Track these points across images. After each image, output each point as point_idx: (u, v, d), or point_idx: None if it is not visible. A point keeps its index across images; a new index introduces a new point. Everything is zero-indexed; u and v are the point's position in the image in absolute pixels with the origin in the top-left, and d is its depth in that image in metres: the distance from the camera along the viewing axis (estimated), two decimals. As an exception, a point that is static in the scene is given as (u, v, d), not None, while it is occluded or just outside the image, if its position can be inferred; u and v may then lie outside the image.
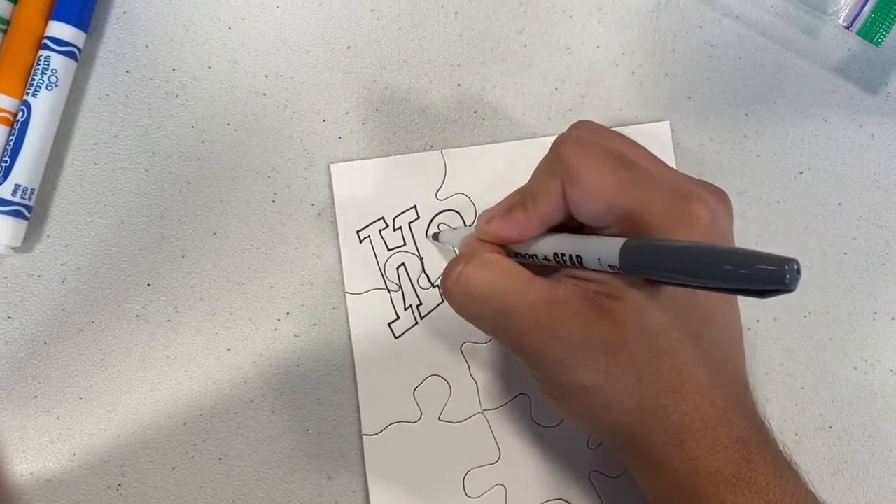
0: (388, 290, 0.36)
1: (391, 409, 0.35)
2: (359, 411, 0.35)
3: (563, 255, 0.28)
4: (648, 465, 0.29)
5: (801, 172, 0.39)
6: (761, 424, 0.29)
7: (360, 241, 0.36)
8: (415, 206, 0.36)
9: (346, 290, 0.35)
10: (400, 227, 0.36)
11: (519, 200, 0.30)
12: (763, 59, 0.39)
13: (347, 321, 0.35)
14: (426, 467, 0.35)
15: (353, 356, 0.35)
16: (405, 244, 0.36)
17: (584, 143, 0.28)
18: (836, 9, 0.38)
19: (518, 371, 0.36)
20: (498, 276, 0.29)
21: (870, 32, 0.37)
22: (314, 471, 0.35)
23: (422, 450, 0.35)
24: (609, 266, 0.26)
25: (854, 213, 0.39)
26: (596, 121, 0.37)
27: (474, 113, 0.37)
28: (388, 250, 0.36)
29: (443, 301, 0.36)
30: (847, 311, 0.38)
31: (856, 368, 0.38)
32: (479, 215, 0.32)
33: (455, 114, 0.37)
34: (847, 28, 0.37)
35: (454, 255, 0.35)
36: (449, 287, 0.30)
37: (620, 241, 0.25)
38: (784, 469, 0.28)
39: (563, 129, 0.37)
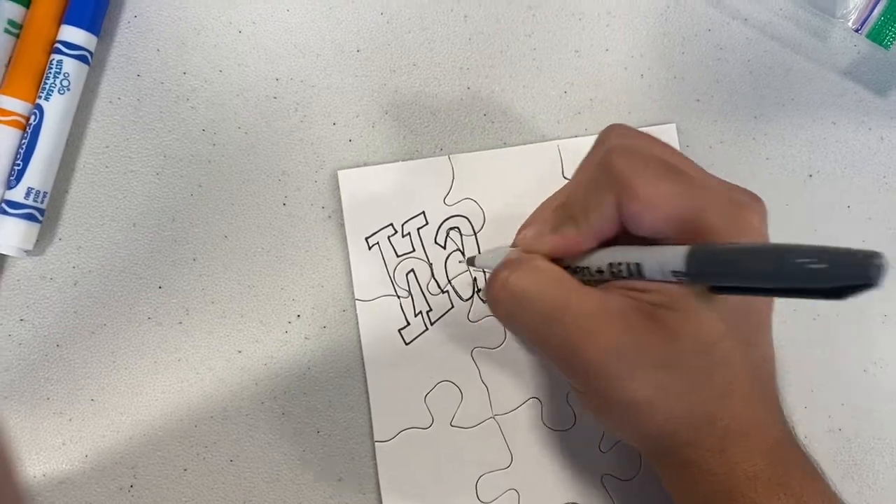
0: (398, 297, 0.36)
1: (403, 415, 0.35)
2: (370, 416, 0.35)
3: (619, 264, 0.27)
4: (686, 472, 0.28)
5: (811, 175, 0.39)
6: (791, 427, 0.29)
7: (369, 248, 0.36)
8: (423, 212, 0.36)
9: (356, 297, 0.35)
10: (409, 234, 0.36)
11: (568, 214, 0.29)
12: (772, 62, 0.39)
13: (357, 324, 0.35)
14: (439, 473, 0.35)
15: (363, 359, 0.35)
16: (414, 250, 0.36)
17: (635, 154, 0.27)
18: (845, 12, 0.38)
19: (529, 375, 0.36)
20: (548, 282, 0.28)
21: (879, 35, 0.37)
22: (325, 472, 0.35)
23: (434, 455, 0.35)
24: (673, 273, 0.25)
25: (863, 215, 0.39)
26: (605, 124, 0.38)
27: (484, 116, 0.37)
28: (398, 256, 0.36)
29: (452, 307, 0.36)
30: (856, 314, 0.38)
31: (865, 371, 0.38)
32: (517, 231, 0.32)
33: (465, 117, 0.37)
34: (856, 31, 0.37)
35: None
36: (495, 292, 0.29)
37: (683, 248, 0.25)
38: (813, 472, 0.28)
39: (573, 131, 0.38)
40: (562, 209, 0.30)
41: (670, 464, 0.29)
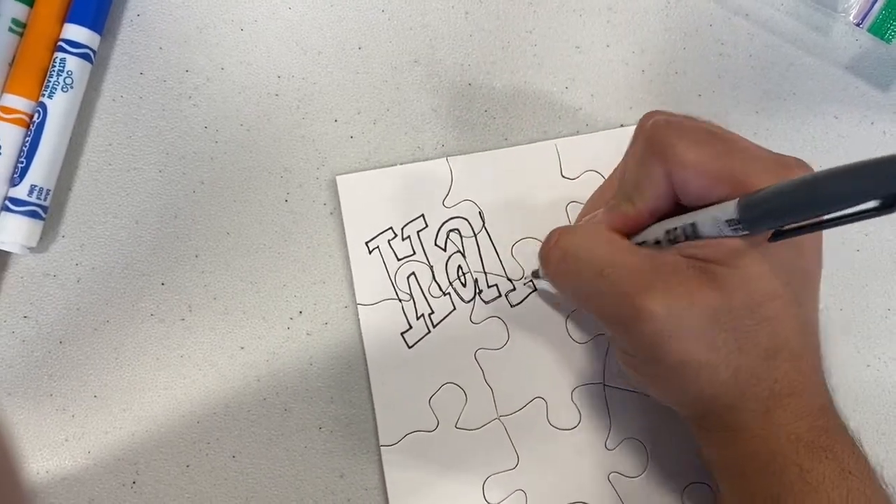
0: (400, 300, 0.36)
1: (408, 418, 0.35)
2: (373, 412, 0.35)
3: (675, 229, 0.27)
4: (727, 434, 0.28)
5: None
6: (832, 396, 0.29)
7: (370, 252, 0.36)
8: (422, 215, 0.36)
9: (358, 302, 0.35)
10: (409, 237, 0.36)
11: (621, 194, 0.30)
12: (773, 56, 0.39)
13: (358, 319, 0.35)
14: (445, 475, 0.35)
15: (365, 356, 0.35)
16: (415, 253, 0.36)
17: (674, 125, 0.28)
18: (846, 6, 0.38)
19: (533, 375, 0.36)
20: (600, 240, 0.29)
21: (880, 29, 0.37)
22: (327, 468, 0.35)
23: (440, 458, 0.35)
24: (728, 223, 0.25)
25: (866, 210, 0.39)
26: (605, 120, 0.38)
27: (485, 112, 0.37)
28: (398, 260, 0.36)
29: (454, 309, 0.36)
30: (860, 309, 0.38)
31: (869, 366, 0.38)
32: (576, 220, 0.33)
33: (466, 113, 0.37)
34: (857, 25, 0.37)
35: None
36: (548, 249, 0.30)
37: (734, 199, 0.25)
38: (852, 441, 0.28)
39: (574, 127, 0.38)
40: (615, 190, 0.30)
41: (711, 427, 0.29)
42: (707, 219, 0.26)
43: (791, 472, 0.27)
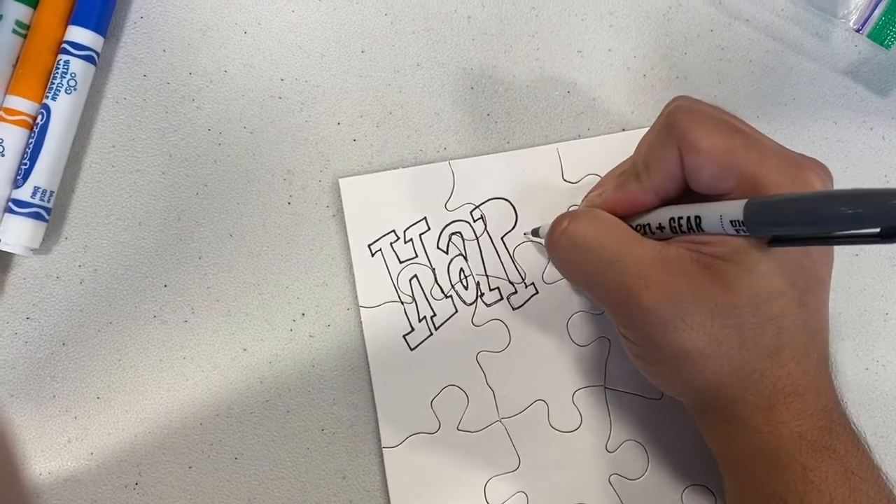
0: (402, 303, 0.36)
1: (410, 420, 0.35)
2: (375, 414, 0.35)
3: (679, 219, 0.28)
4: (730, 428, 0.29)
5: (812, 174, 0.39)
6: (840, 396, 0.29)
7: (372, 255, 0.36)
8: (425, 218, 0.36)
9: (360, 304, 0.35)
10: (411, 240, 0.36)
11: (632, 172, 0.30)
12: (774, 62, 0.39)
13: (360, 321, 0.36)
14: (447, 477, 0.35)
15: (367, 358, 0.35)
16: (417, 256, 0.36)
17: (695, 111, 0.28)
18: (846, 12, 0.38)
19: (534, 377, 0.36)
20: (607, 229, 0.29)
21: (880, 35, 0.37)
22: (329, 470, 0.35)
23: (442, 460, 0.35)
24: (731, 223, 0.26)
25: (865, 214, 0.39)
26: (607, 124, 0.38)
27: (487, 115, 0.38)
28: (400, 263, 0.36)
29: (456, 311, 0.36)
30: (858, 313, 0.39)
31: (867, 369, 0.38)
32: (586, 195, 0.32)
33: (468, 116, 0.38)
34: (857, 31, 0.38)
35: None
36: (555, 238, 0.30)
37: (743, 200, 0.25)
38: (858, 441, 0.28)
39: (575, 132, 0.38)
40: (626, 166, 0.31)
41: (715, 419, 0.29)
42: (712, 215, 0.26)
43: (794, 471, 0.27)
